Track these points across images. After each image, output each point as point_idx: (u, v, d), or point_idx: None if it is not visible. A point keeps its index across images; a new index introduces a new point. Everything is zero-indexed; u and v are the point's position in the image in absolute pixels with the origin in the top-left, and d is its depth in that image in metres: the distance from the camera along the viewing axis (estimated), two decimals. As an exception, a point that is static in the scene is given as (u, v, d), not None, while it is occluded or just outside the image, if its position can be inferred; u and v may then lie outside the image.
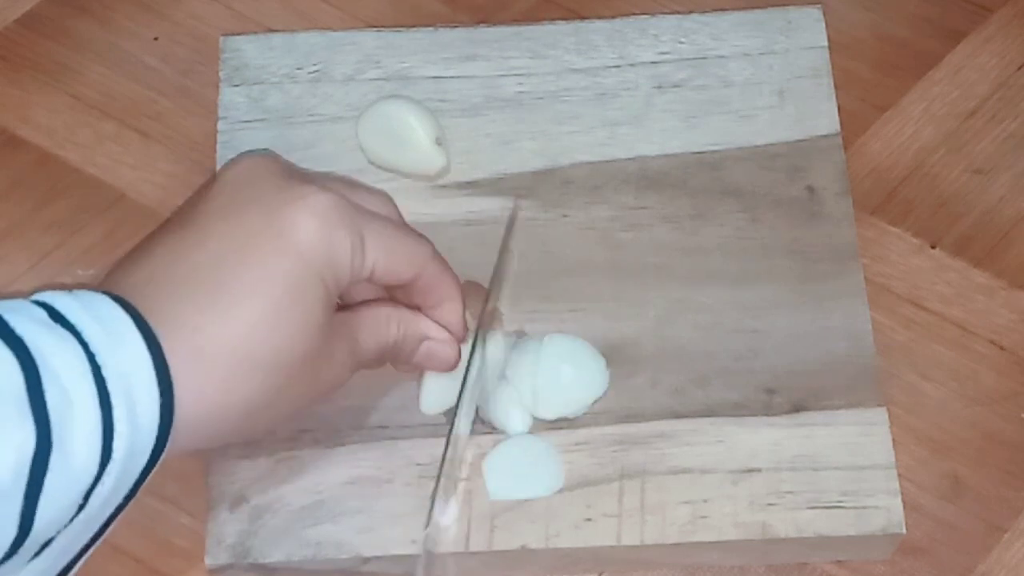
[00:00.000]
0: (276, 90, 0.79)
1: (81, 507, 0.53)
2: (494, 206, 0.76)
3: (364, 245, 0.61)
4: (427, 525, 0.66)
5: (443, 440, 0.69)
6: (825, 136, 0.78)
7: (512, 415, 0.70)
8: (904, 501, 0.68)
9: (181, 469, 0.71)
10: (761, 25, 0.82)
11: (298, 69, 0.80)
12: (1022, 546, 0.71)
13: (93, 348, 0.53)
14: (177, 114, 0.82)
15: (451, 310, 0.67)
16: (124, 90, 0.82)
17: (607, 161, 0.78)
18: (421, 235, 0.65)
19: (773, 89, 0.80)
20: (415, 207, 0.74)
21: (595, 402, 0.70)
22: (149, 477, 0.56)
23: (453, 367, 0.68)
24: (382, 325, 0.65)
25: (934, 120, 0.82)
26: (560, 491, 0.68)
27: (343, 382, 0.64)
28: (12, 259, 0.77)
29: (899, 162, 0.81)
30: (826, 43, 0.81)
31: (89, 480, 0.52)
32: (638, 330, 0.72)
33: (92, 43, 0.84)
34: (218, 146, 0.78)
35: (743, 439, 0.70)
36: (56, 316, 0.54)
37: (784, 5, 0.82)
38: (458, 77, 0.80)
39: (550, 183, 0.77)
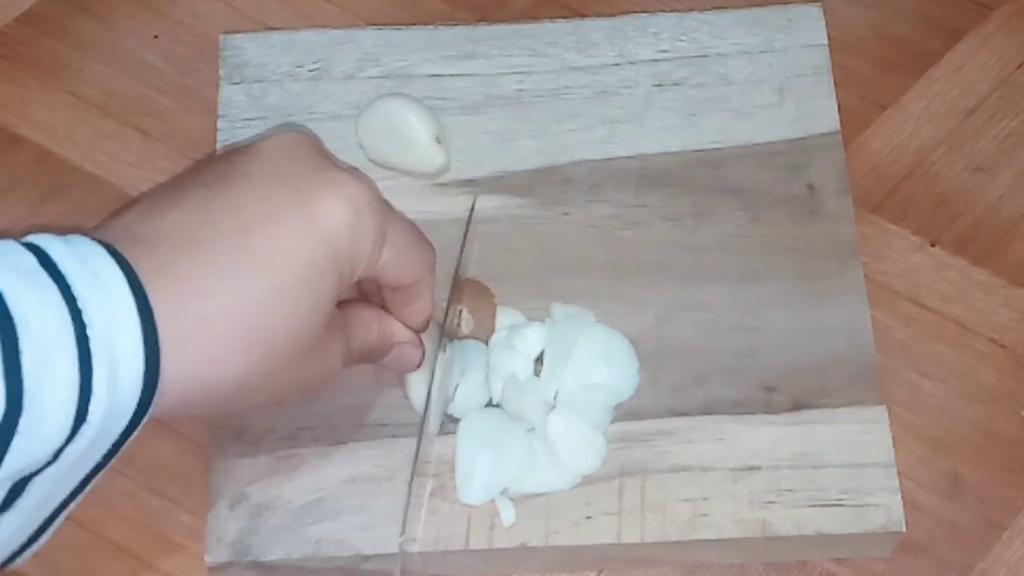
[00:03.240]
0: (276, 88, 0.79)
1: (49, 463, 0.51)
2: (494, 204, 0.76)
3: (384, 243, 0.60)
4: (402, 532, 0.66)
5: (444, 438, 0.69)
6: (825, 134, 0.78)
7: (533, 408, 0.70)
8: (904, 499, 0.68)
9: (181, 467, 0.71)
10: (761, 23, 0.82)
11: (298, 67, 0.80)
12: (1022, 544, 0.71)
13: (80, 304, 0.51)
14: (177, 112, 0.82)
15: (420, 311, 0.66)
16: (124, 88, 0.82)
17: (607, 159, 0.78)
18: (430, 244, 0.65)
19: (773, 87, 0.80)
20: (415, 205, 0.74)
21: (618, 407, 0.71)
22: (131, 438, 0.54)
23: (418, 368, 0.68)
24: (365, 327, 0.65)
25: (934, 118, 0.82)
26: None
27: (332, 377, 0.63)
28: (12, 257, 0.77)
29: (899, 160, 0.81)
30: (826, 41, 0.81)
31: (60, 439, 0.51)
32: (638, 328, 0.72)
33: (92, 41, 0.84)
34: (218, 144, 0.78)
35: (743, 437, 0.70)
36: (47, 263, 0.52)
37: (784, 3, 0.82)
38: (458, 75, 0.80)
39: (550, 181, 0.77)
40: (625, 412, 0.70)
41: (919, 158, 0.81)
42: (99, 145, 0.81)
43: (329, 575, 0.68)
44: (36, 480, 0.52)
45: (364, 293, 0.66)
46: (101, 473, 0.55)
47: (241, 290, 0.55)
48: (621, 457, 0.69)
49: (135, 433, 0.54)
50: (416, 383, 0.69)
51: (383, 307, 0.66)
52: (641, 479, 0.69)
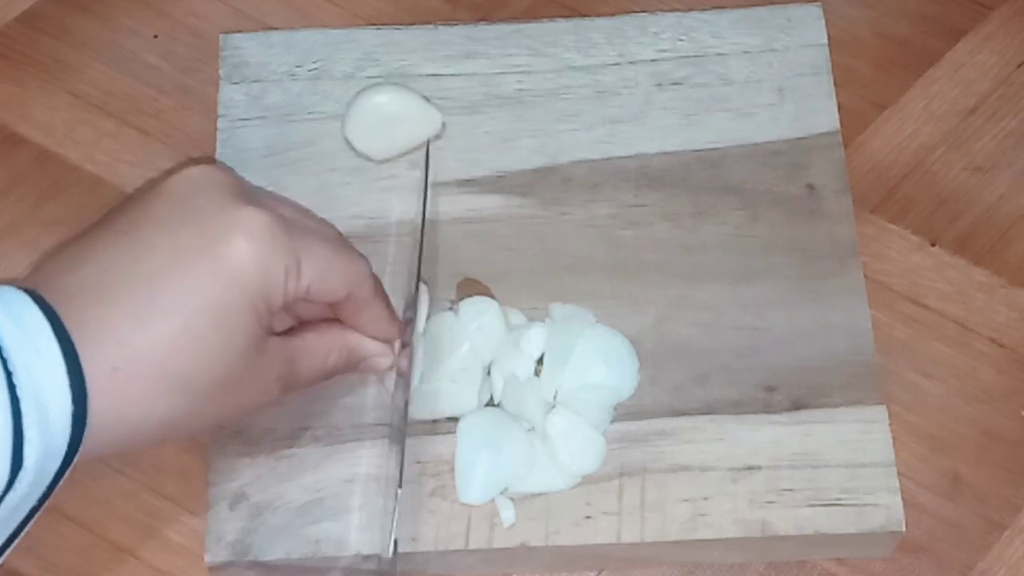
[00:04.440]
0: (276, 88, 0.79)
1: None
2: (494, 204, 0.76)
3: (300, 267, 0.60)
4: (391, 536, 0.66)
5: (444, 438, 0.69)
6: (825, 134, 0.78)
7: (533, 406, 0.70)
8: (904, 499, 0.68)
9: (181, 467, 0.71)
10: (761, 22, 0.82)
11: (298, 67, 0.80)
12: (1022, 543, 0.71)
13: (6, 353, 0.52)
14: (177, 112, 0.82)
15: (382, 331, 0.67)
16: (124, 88, 0.82)
17: (607, 159, 0.78)
18: (358, 254, 0.65)
19: (773, 87, 0.80)
20: (415, 205, 0.74)
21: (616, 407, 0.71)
22: (64, 479, 0.55)
23: (389, 370, 0.68)
24: (320, 356, 0.65)
25: (934, 118, 0.82)
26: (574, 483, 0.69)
27: (271, 403, 0.63)
28: (12, 256, 0.77)
29: (899, 160, 0.81)
30: (826, 41, 0.81)
31: (0, 486, 0.52)
32: (638, 328, 0.72)
33: (92, 41, 0.84)
34: (218, 144, 0.78)
35: (743, 437, 0.70)
36: None
37: (784, 3, 0.82)
38: (458, 75, 0.80)
39: (550, 181, 0.77)
40: (625, 412, 0.70)
41: (919, 158, 0.81)
42: (99, 145, 0.81)
43: (329, 574, 0.68)
44: None
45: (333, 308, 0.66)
46: (38, 515, 0.56)
47: (152, 336, 0.57)
48: (621, 457, 0.69)
49: (67, 473, 0.56)
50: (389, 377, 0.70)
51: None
52: (641, 479, 0.69)
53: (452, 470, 0.69)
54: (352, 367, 0.67)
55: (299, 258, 0.60)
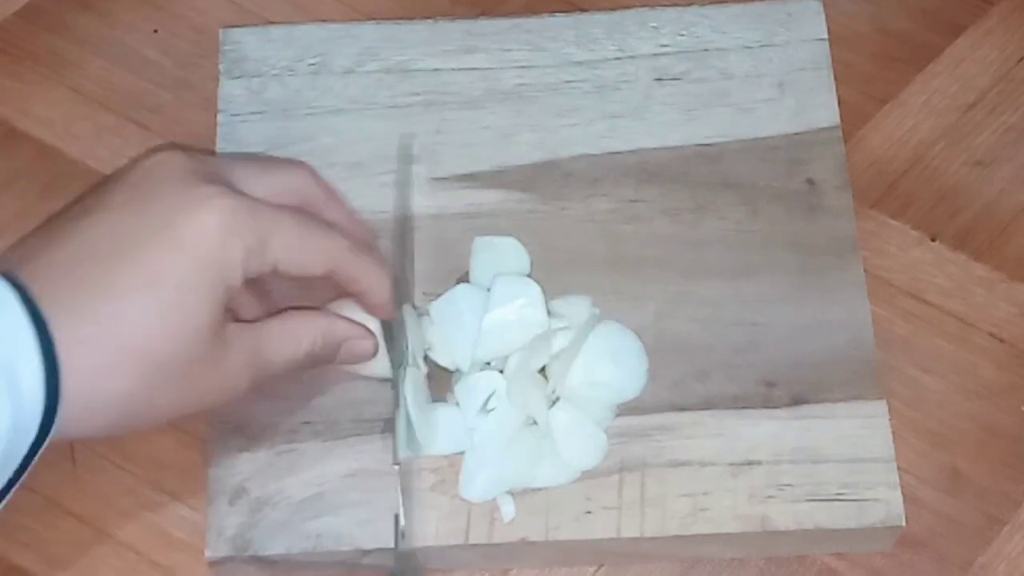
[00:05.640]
0: (276, 82, 0.79)
1: None
2: (494, 199, 0.76)
3: (266, 247, 0.61)
4: (398, 527, 0.66)
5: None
6: (825, 129, 0.78)
7: (537, 403, 0.69)
8: (904, 494, 0.68)
9: (181, 462, 0.71)
10: (761, 18, 0.81)
11: (298, 61, 0.80)
12: (1022, 539, 0.71)
13: None
14: (177, 107, 0.81)
15: (377, 299, 0.67)
16: (124, 83, 0.82)
17: (607, 154, 0.78)
18: (331, 231, 0.65)
19: (773, 82, 0.80)
20: (415, 201, 0.74)
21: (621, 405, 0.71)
22: (36, 458, 0.56)
23: (372, 357, 0.68)
24: (290, 342, 0.65)
25: (934, 113, 0.82)
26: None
27: (238, 393, 0.63)
28: (12, 252, 0.77)
29: (899, 155, 0.81)
30: (826, 36, 0.81)
31: None
32: (638, 323, 0.72)
33: (92, 36, 0.84)
34: (218, 138, 0.78)
35: (743, 432, 0.70)
36: None
37: (784, -2, 0.82)
38: (458, 69, 0.80)
39: (550, 176, 0.77)
40: (625, 407, 0.70)
41: (919, 153, 0.81)
42: (99, 140, 0.81)
43: (329, 570, 0.68)
44: None
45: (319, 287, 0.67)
46: (11, 494, 0.57)
47: (114, 310, 0.58)
48: (621, 452, 0.69)
49: (40, 452, 0.56)
50: (374, 366, 0.69)
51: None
52: (641, 474, 0.69)
53: (451, 465, 0.69)
54: (331, 352, 0.66)
55: (264, 237, 0.61)
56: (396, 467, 0.66)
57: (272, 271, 0.62)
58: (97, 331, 0.58)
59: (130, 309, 0.58)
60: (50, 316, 0.56)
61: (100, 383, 0.58)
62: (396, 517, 0.66)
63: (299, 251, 0.63)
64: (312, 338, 0.65)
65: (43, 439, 0.56)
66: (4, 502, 0.57)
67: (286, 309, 0.66)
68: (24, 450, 0.56)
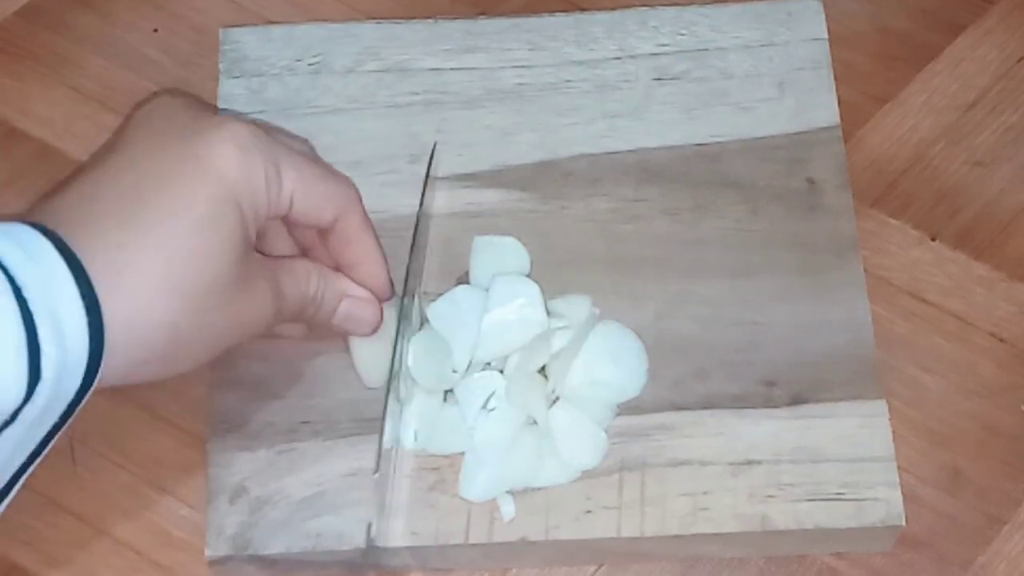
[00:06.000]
0: (275, 82, 0.79)
1: (8, 423, 0.53)
2: (494, 198, 0.76)
3: (280, 175, 0.62)
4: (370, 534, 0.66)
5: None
6: (825, 128, 0.78)
7: (536, 403, 0.69)
8: (904, 493, 0.68)
9: (181, 461, 0.71)
10: (761, 17, 0.81)
11: (297, 61, 0.80)
12: (1022, 538, 0.71)
13: (12, 271, 0.53)
14: (177, 106, 0.82)
15: (373, 270, 0.68)
16: (124, 82, 0.82)
17: (607, 153, 0.78)
18: (345, 177, 0.66)
19: (773, 81, 0.80)
20: (415, 200, 0.74)
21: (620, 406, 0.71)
22: (85, 399, 0.56)
23: (374, 329, 0.68)
24: (301, 277, 0.66)
25: (934, 112, 0.82)
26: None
27: (267, 325, 0.64)
28: (12, 251, 0.77)
29: (899, 154, 0.81)
30: (826, 35, 0.81)
31: (17, 399, 0.53)
32: (638, 322, 0.72)
33: (92, 35, 0.84)
34: (218, 138, 0.78)
35: (743, 431, 0.70)
36: None
37: (784, -3, 0.82)
38: (458, 69, 0.80)
39: (550, 175, 0.77)
40: (625, 406, 0.70)
41: (919, 152, 0.81)
42: (99, 139, 0.80)
43: (329, 569, 0.68)
44: None
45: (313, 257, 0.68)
46: (58, 435, 0.57)
47: (147, 241, 0.58)
48: (621, 451, 0.69)
49: (88, 394, 0.56)
50: (362, 358, 0.69)
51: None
52: (641, 473, 0.69)
53: (451, 465, 0.69)
54: (332, 305, 0.67)
55: (279, 165, 0.62)
56: (375, 476, 0.66)
57: (288, 212, 0.63)
58: (134, 264, 0.57)
59: (164, 236, 0.58)
60: (85, 258, 0.56)
61: (143, 317, 0.58)
62: (368, 526, 0.66)
63: (312, 184, 0.64)
64: (317, 282, 0.66)
65: (91, 382, 0.56)
66: (48, 448, 0.56)
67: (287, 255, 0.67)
68: (70, 395, 0.55)
